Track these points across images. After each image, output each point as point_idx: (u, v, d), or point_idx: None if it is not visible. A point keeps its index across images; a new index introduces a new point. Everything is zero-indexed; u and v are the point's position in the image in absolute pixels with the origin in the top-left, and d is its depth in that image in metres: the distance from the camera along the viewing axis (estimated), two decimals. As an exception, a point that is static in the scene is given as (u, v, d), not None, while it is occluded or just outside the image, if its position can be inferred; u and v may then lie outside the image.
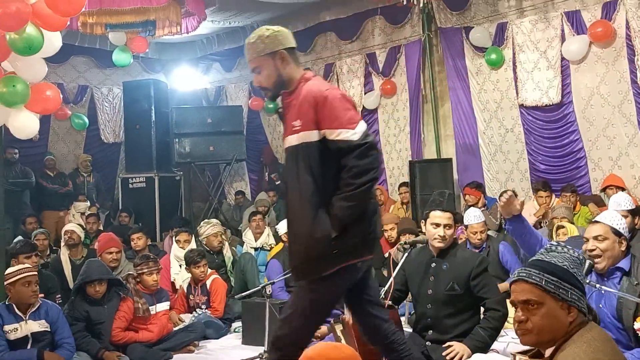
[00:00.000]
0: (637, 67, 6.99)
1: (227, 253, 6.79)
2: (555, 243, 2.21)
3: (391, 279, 3.97)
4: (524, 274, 2.10)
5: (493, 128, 8.41)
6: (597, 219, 3.64)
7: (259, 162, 11.49)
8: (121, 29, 7.86)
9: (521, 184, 8.20)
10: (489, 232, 6.84)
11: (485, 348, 3.74)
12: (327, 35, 10.07)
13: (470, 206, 7.73)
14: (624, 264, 3.42)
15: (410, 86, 9.10)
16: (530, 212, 7.46)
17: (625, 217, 4.68)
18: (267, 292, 5.02)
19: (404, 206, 8.47)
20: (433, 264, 3.95)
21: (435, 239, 3.90)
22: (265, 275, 6.61)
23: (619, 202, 4.86)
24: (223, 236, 6.87)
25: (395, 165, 9.47)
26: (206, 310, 5.82)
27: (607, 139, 7.43)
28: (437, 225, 3.89)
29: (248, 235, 7.79)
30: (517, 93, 8.05)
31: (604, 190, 7.14)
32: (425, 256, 4.04)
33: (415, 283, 4.04)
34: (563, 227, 5.81)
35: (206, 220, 7.23)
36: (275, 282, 5.45)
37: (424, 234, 4.22)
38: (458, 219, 5.11)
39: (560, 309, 2.03)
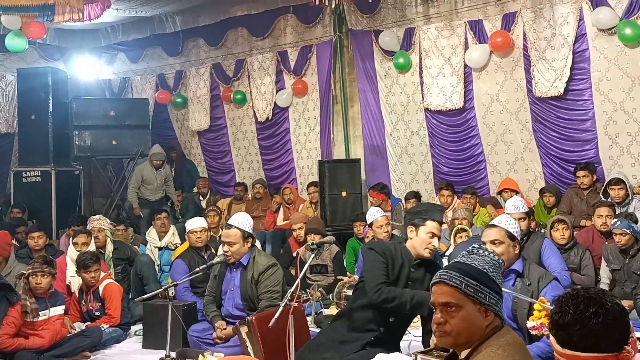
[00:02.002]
0: (532, 76, 7.38)
1: (108, 248, 6.51)
2: (477, 246, 2.23)
3: (297, 279, 3.95)
4: (445, 276, 2.10)
5: (399, 130, 8.63)
6: (493, 222, 3.80)
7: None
8: (15, 11, 7.35)
9: (425, 185, 8.46)
10: (394, 232, 7.02)
11: None
12: (238, 30, 9.94)
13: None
14: (517, 266, 3.58)
15: (321, 86, 9.16)
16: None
17: (522, 219, 4.95)
18: (170, 294, 4.88)
19: (313, 205, 8.50)
20: (413, 270, 3.81)
21: (427, 248, 3.78)
22: (169, 275, 6.42)
23: (516, 205, 5.10)
24: (107, 231, 6.58)
25: (305, 165, 9.51)
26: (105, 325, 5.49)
27: (504, 143, 7.82)
28: (434, 235, 3.79)
29: (152, 234, 7.54)
30: (422, 97, 8.30)
31: (500, 193, 7.50)
32: (405, 260, 3.83)
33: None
34: (465, 230, 6.05)
35: (92, 217, 6.94)
36: (180, 283, 5.30)
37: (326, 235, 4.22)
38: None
39: (478, 313, 2.05)
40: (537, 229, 6.33)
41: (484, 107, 7.90)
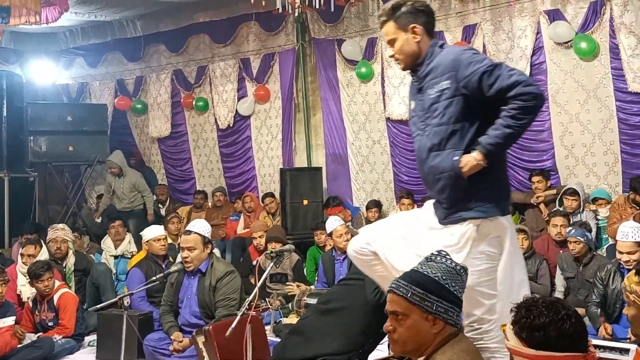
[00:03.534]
0: (492, 88, 7.48)
1: (70, 261, 6.33)
2: (436, 252, 2.23)
3: (256, 288, 3.89)
4: (394, 285, 2.13)
5: (361, 139, 8.65)
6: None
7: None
8: (-32, 13, 7.13)
9: (386, 194, 8.50)
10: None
11: None
12: (200, 37, 9.84)
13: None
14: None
15: (284, 94, 9.14)
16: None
17: None
18: (125, 304, 4.77)
19: (270, 216, 8.43)
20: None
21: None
22: (125, 285, 6.28)
23: None
24: (69, 243, 6.41)
25: (267, 173, 9.45)
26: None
27: (464, 153, 7.89)
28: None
29: (107, 243, 7.37)
30: (384, 106, 8.34)
31: (461, 201, 7.57)
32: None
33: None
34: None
35: (52, 225, 6.74)
36: (136, 293, 5.19)
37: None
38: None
39: (425, 321, 2.06)
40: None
41: (444, 117, 7.97)
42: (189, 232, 4.66)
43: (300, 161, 9.11)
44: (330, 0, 7.28)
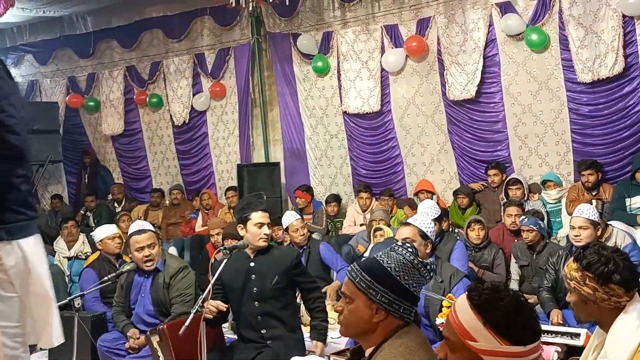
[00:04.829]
0: (446, 80, 7.57)
1: None
2: (400, 244, 2.20)
3: (209, 285, 3.83)
4: (349, 269, 2.15)
5: (319, 134, 8.63)
6: (408, 220, 3.83)
7: (78, 163, 10.67)
8: None
9: (344, 188, 8.50)
10: (314, 236, 7.00)
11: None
12: (153, 32, 9.66)
13: (300, 209, 7.90)
14: (430, 264, 3.61)
15: (240, 89, 9.05)
16: (353, 214, 7.78)
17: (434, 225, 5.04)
18: (77, 305, 4.63)
19: (232, 210, 8.34)
20: (252, 264, 3.90)
21: (261, 238, 3.86)
22: (79, 286, 6.10)
23: (427, 212, 5.18)
24: None
25: (224, 169, 9.34)
26: None
27: (421, 145, 7.97)
28: (262, 224, 3.86)
29: (60, 244, 7.17)
30: (341, 100, 8.33)
31: (416, 194, 7.63)
32: (241, 259, 3.96)
33: (237, 286, 3.95)
34: (380, 229, 6.10)
35: None
36: (90, 294, 5.05)
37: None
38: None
39: (367, 309, 2.05)
40: (450, 230, 6.49)
41: (400, 110, 8.03)
42: (144, 231, 4.56)
43: (258, 157, 9.04)
44: (284, -7, 7.26)
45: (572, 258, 2.30)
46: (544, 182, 6.86)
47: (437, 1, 7.66)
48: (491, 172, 7.20)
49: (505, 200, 6.70)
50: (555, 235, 6.50)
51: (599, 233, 4.73)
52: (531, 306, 1.80)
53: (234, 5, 7.62)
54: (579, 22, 6.78)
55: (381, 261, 2.10)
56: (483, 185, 7.35)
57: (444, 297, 3.33)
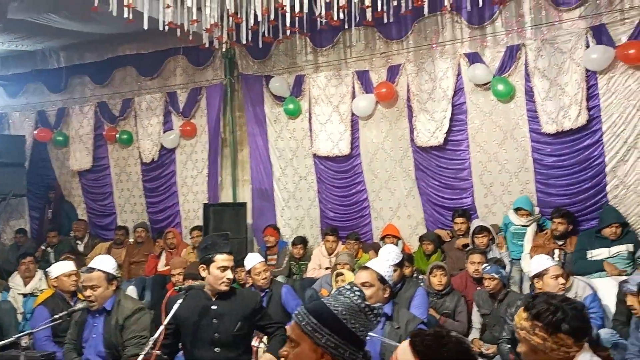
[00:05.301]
0: (415, 126, 7.66)
1: None
2: (348, 287, 2.17)
3: (162, 327, 3.71)
4: (297, 312, 2.11)
5: (288, 175, 8.62)
6: (366, 264, 3.79)
7: (43, 198, 10.44)
8: None
9: (311, 230, 8.45)
10: (278, 278, 6.91)
11: None
12: (126, 69, 9.66)
13: (268, 247, 7.84)
14: (387, 309, 3.56)
15: (210, 129, 9.04)
16: (319, 257, 7.71)
17: (394, 271, 5.00)
18: (24, 343, 4.44)
19: (195, 250, 8.21)
20: (214, 307, 3.78)
21: (223, 282, 3.75)
22: (30, 324, 5.88)
23: (387, 258, 5.14)
24: None
25: (191, 208, 9.24)
26: None
27: (388, 190, 7.99)
28: (225, 268, 3.76)
29: (16, 280, 6.94)
30: (311, 143, 8.37)
31: (382, 238, 7.61)
32: (202, 300, 3.86)
33: (195, 328, 3.83)
34: (342, 274, 6.02)
35: None
36: (41, 332, 4.86)
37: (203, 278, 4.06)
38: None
39: (313, 353, 2.01)
40: (414, 276, 6.47)
41: (369, 155, 8.07)
42: (92, 270, 4.42)
43: (226, 196, 8.97)
44: (258, 36, 7.32)
45: (522, 307, 2.27)
46: (517, 209, 6.86)
47: (407, 49, 7.81)
48: (458, 219, 7.22)
49: (470, 247, 6.71)
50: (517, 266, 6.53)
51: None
52: (474, 353, 1.77)
53: (207, 45, 7.68)
54: (544, 74, 6.96)
55: (328, 304, 2.07)
56: (449, 234, 7.35)
57: (399, 344, 3.26)
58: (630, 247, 6.21)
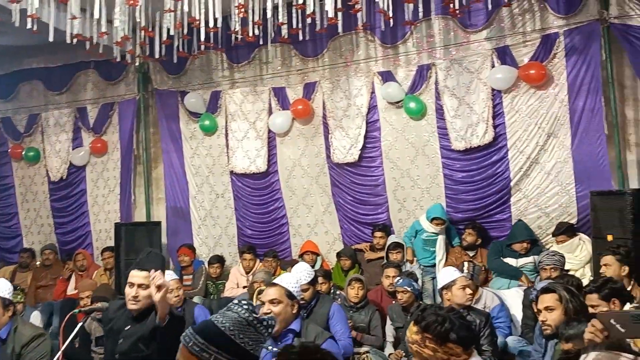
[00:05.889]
0: (331, 143, 7.72)
1: None
2: (236, 302, 2.13)
3: (59, 352, 3.51)
4: (184, 334, 2.04)
5: (204, 193, 8.46)
6: (274, 281, 3.75)
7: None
8: None
9: (229, 248, 8.31)
10: (195, 299, 6.74)
11: None
12: (32, 83, 9.23)
13: (183, 267, 7.64)
14: (295, 325, 3.53)
15: (123, 145, 8.76)
16: (236, 276, 7.58)
17: (305, 290, 5.00)
18: None
19: (108, 272, 7.89)
20: (127, 327, 3.58)
21: (129, 300, 3.55)
22: None
23: (299, 277, 5.13)
24: None
25: (103, 228, 8.88)
26: None
27: (306, 207, 8.00)
28: (132, 285, 3.55)
29: None
30: (228, 160, 8.27)
31: (301, 255, 7.59)
32: (121, 320, 3.64)
33: (106, 349, 3.65)
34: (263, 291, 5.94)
35: None
36: None
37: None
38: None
39: None
40: (332, 292, 6.48)
41: (287, 171, 8.06)
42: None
43: (139, 215, 8.69)
44: (172, 51, 7.20)
45: (412, 321, 2.31)
46: (433, 219, 6.98)
47: (323, 67, 7.89)
48: (377, 234, 7.30)
49: (385, 262, 6.80)
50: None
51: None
52: None
53: (119, 59, 7.46)
54: (453, 93, 7.21)
55: (216, 322, 2.03)
56: (367, 246, 7.43)
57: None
58: (537, 258, 6.49)
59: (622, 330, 1.95)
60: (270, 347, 3.31)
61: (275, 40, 7.35)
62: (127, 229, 7.71)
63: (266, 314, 3.46)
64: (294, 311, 3.57)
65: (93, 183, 8.94)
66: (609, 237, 5.68)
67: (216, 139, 8.43)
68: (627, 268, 4.63)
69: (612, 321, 1.99)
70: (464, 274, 5.21)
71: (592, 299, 3.61)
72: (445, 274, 4.88)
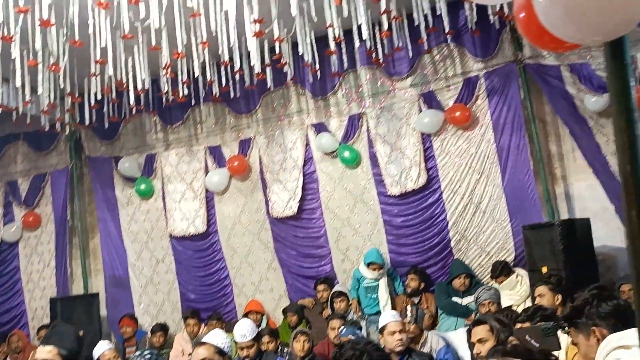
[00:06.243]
0: (269, 198, 7.69)
1: None
2: (138, 353, 2.05)
3: None
4: None
5: (144, 259, 8.24)
6: (203, 339, 3.62)
7: None
8: None
9: (172, 315, 8.04)
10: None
11: None
12: (-40, 157, 8.94)
13: (126, 339, 7.35)
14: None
15: (57, 217, 8.50)
16: (180, 343, 7.30)
17: (250, 347, 4.88)
18: None
19: (43, 350, 7.47)
20: None
21: None
22: None
23: (242, 334, 5.01)
24: None
25: (38, 305, 8.49)
26: None
27: (249, 265, 7.86)
28: None
29: None
30: (166, 223, 8.11)
31: (246, 315, 7.37)
32: None
33: None
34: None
35: None
36: None
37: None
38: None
39: None
40: (279, 349, 6.30)
41: (227, 230, 7.95)
42: None
43: (77, 289, 8.36)
44: (103, 116, 7.13)
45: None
46: (369, 264, 6.92)
47: (257, 122, 7.94)
48: (320, 287, 7.22)
49: (329, 314, 6.69)
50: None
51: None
52: None
53: (47, 128, 7.32)
54: (385, 139, 7.33)
55: None
56: (313, 302, 7.32)
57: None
58: (478, 295, 6.51)
59: (537, 344, 1.98)
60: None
61: (207, 99, 7.39)
62: (63, 304, 7.41)
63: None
64: (226, 367, 3.43)
65: (27, 259, 8.59)
66: (544, 269, 5.76)
67: (153, 202, 8.28)
68: (559, 296, 4.68)
69: (527, 337, 2.02)
70: (406, 319, 5.18)
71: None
72: (382, 319, 4.82)
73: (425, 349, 5.35)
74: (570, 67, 6.46)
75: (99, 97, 6.37)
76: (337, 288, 6.94)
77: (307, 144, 7.71)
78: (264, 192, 7.80)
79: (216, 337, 3.54)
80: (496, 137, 6.89)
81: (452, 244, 7.00)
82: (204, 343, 3.53)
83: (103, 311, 7.93)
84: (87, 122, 6.80)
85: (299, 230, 7.65)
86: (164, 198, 8.19)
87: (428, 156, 7.18)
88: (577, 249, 5.69)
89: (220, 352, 3.47)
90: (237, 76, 6.69)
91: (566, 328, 2.17)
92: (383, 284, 6.89)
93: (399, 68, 7.34)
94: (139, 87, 6.21)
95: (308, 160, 7.69)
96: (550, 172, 6.81)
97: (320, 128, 7.64)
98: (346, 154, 7.46)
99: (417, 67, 7.26)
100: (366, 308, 6.86)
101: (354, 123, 7.53)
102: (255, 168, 7.92)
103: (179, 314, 7.98)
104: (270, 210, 7.69)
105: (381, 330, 4.70)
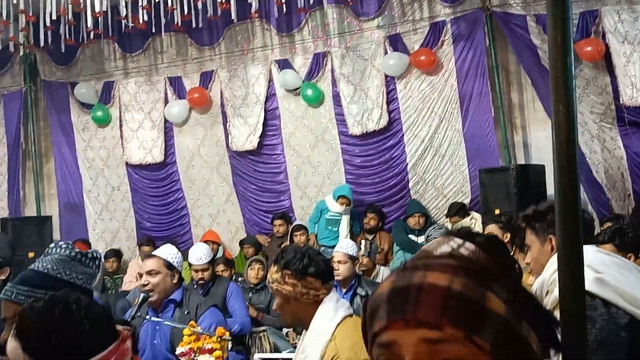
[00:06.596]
0: (229, 131, 7.64)
1: None
2: (52, 245, 2.10)
3: None
4: (3, 290, 1.97)
5: (100, 186, 8.15)
6: (154, 252, 3.65)
7: None
8: None
9: (127, 242, 8.05)
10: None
11: None
12: None
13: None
14: (177, 295, 3.44)
15: (9, 140, 8.28)
16: (134, 269, 7.33)
17: (205, 269, 4.95)
18: None
19: (-7, 272, 7.40)
20: None
21: None
22: None
23: (198, 257, 5.07)
24: None
25: (-11, 228, 8.33)
26: None
27: (207, 197, 7.87)
28: None
29: None
30: (123, 151, 8.00)
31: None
32: None
33: None
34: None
35: None
36: None
37: None
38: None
39: None
40: (234, 279, 6.40)
41: (185, 161, 7.91)
42: None
43: (30, 212, 8.24)
44: (60, 40, 6.89)
45: (272, 263, 2.31)
46: (339, 197, 6.99)
47: (219, 55, 7.80)
48: (277, 222, 7.28)
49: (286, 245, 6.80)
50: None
51: (357, 268, 4.91)
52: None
53: (1, 48, 7.06)
54: (349, 79, 7.32)
55: (35, 268, 2.01)
56: (267, 240, 7.39)
57: (184, 325, 3.16)
58: (433, 234, 6.70)
59: None
60: (148, 317, 3.21)
61: (169, 28, 7.21)
62: (14, 225, 7.30)
63: (144, 285, 3.34)
64: (175, 281, 3.46)
65: (-24, 181, 8.39)
66: (497, 211, 5.95)
67: (110, 130, 8.14)
68: (508, 234, 4.84)
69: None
70: (361, 252, 5.31)
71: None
72: (337, 246, 4.92)
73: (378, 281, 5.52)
74: (536, 17, 6.52)
75: (54, 17, 6.15)
76: (298, 222, 7.01)
77: (271, 80, 7.64)
78: (225, 126, 7.75)
79: (167, 251, 3.56)
80: (459, 83, 6.96)
81: (410, 185, 7.13)
82: (153, 256, 3.55)
83: (56, 235, 7.84)
84: (42, 43, 6.58)
85: (259, 165, 7.66)
86: (120, 126, 8.06)
87: (391, 98, 7.22)
88: (531, 194, 5.83)
89: (169, 265, 3.48)
90: (200, 4, 6.52)
91: (523, 225, 2.23)
92: (346, 219, 7.00)
93: (366, 8, 7.28)
94: (97, 8, 6.01)
95: (271, 96, 7.64)
96: (510, 120, 6.94)
97: (284, 64, 7.57)
98: (309, 92, 7.44)
99: (385, 8, 7.21)
100: (324, 240, 6.96)
101: (318, 61, 7.48)
102: (216, 101, 7.83)
103: (134, 242, 8.00)
104: (230, 144, 7.65)
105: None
